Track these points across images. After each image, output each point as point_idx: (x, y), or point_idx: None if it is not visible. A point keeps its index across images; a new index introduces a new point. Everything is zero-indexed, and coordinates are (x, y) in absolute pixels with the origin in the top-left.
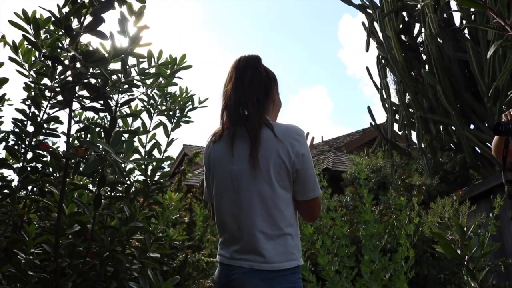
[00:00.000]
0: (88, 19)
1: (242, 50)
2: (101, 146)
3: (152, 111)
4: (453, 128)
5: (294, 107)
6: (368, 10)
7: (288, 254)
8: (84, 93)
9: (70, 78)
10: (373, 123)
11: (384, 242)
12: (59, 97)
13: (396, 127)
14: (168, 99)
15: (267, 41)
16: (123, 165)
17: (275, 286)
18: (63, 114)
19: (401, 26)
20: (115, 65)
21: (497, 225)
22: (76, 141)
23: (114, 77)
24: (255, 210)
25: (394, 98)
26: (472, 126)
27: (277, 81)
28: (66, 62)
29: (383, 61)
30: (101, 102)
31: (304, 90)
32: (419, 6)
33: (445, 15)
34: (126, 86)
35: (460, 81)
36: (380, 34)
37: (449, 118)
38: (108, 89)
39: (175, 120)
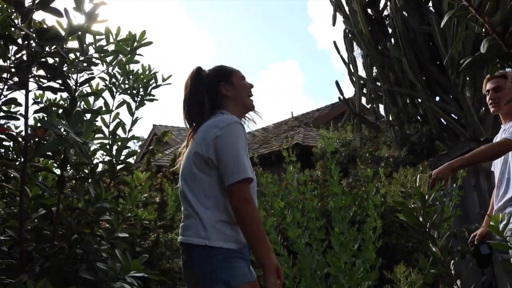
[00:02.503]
0: None
1: (210, 24)
2: (60, 127)
3: (114, 89)
4: (419, 100)
5: (265, 82)
6: None
7: None
8: (42, 72)
9: (25, 58)
10: (342, 98)
11: (353, 213)
12: (16, 78)
13: (364, 100)
14: (130, 77)
15: (236, 15)
16: (86, 146)
17: None
18: (21, 95)
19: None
20: (72, 44)
21: (460, 194)
22: (38, 124)
23: (72, 55)
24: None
25: (362, 72)
26: (437, 98)
27: (226, 72)
28: (20, 41)
29: (350, 35)
30: (59, 81)
31: (275, 65)
32: None
33: None
34: (84, 64)
35: (425, 54)
36: (346, 8)
37: (415, 91)
38: (66, 68)
39: (138, 99)
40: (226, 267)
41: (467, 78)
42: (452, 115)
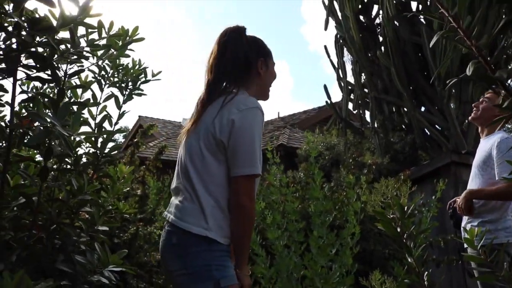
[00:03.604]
0: None
1: (202, 21)
2: (47, 118)
3: (103, 82)
4: (405, 109)
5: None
6: None
7: None
8: (31, 62)
9: (15, 46)
10: (329, 101)
11: (333, 218)
12: (3, 65)
13: (350, 106)
14: (120, 71)
15: (228, 11)
16: (71, 138)
17: None
18: (9, 83)
19: (360, 6)
20: (64, 34)
21: (438, 206)
22: (23, 110)
23: (63, 47)
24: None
25: (350, 78)
26: (423, 108)
27: (266, 51)
28: (10, 28)
29: (341, 41)
30: (48, 72)
31: None
32: None
33: None
34: (75, 57)
35: (414, 64)
36: (339, 14)
37: (401, 100)
38: (56, 59)
39: (127, 93)
40: (220, 265)
41: (453, 91)
42: (436, 126)
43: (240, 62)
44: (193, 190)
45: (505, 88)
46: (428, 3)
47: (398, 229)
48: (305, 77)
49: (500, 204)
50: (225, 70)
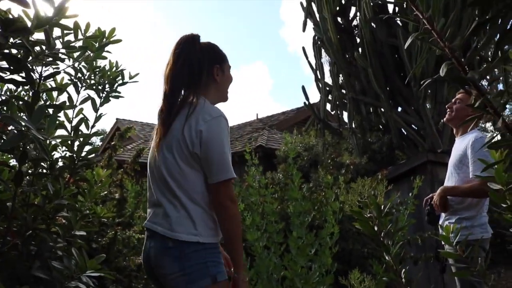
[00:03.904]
0: None
1: (180, 23)
2: (22, 121)
3: (80, 85)
4: (382, 110)
5: (233, 83)
6: None
7: None
8: (4, 64)
9: None
10: (307, 103)
11: (312, 218)
12: None
13: (328, 107)
14: (97, 73)
15: (206, 13)
16: (46, 141)
17: None
18: None
19: (337, 8)
20: (39, 35)
21: (415, 203)
22: None
23: (37, 48)
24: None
25: (328, 79)
26: (399, 109)
27: (221, 56)
28: None
29: (319, 42)
30: (23, 74)
31: (244, 66)
32: None
33: (379, 0)
34: (50, 59)
35: (390, 65)
36: (317, 15)
37: (378, 101)
38: (31, 61)
39: (104, 95)
40: (214, 261)
41: (429, 91)
42: (413, 126)
43: (196, 70)
44: (178, 201)
45: (477, 89)
46: (404, 5)
47: (376, 228)
48: (284, 79)
49: (476, 201)
50: (182, 79)
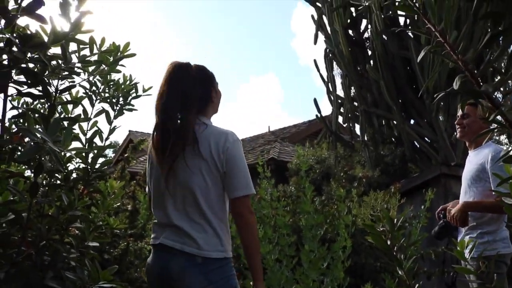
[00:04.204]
0: (27, 0)
1: (180, 23)
2: (38, 134)
3: (94, 98)
4: (395, 122)
5: (244, 95)
6: (317, 3)
7: None
8: (22, 78)
9: (6, 62)
10: (319, 115)
11: (324, 231)
12: None
13: (340, 119)
14: (111, 86)
15: (218, 26)
16: (62, 153)
17: None
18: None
19: (348, 21)
20: (55, 50)
21: (428, 216)
22: (13, 126)
23: (54, 62)
24: None
25: (340, 92)
26: (412, 121)
27: (213, 77)
28: (1, 44)
29: (330, 55)
30: (39, 88)
31: (255, 78)
32: (365, 3)
33: (390, 13)
34: (66, 73)
35: (402, 78)
36: (328, 28)
37: (391, 113)
38: (47, 75)
39: (118, 108)
40: (232, 274)
41: (442, 104)
42: (426, 138)
43: (196, 98)
44: (203, 216)
45: (492, 102)
46: (416, 18)
47: (388, 242)
48: (296, 91)
49: (497, 216)
50: (185, 108)
